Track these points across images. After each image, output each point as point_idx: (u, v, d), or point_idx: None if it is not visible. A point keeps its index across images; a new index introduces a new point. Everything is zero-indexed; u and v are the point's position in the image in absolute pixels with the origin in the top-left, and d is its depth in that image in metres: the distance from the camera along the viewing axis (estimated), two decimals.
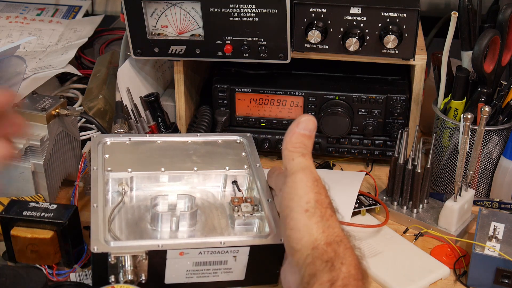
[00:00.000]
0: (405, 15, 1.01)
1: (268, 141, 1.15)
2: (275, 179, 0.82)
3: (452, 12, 0.96)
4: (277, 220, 0.78)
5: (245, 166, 0.90)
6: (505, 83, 1.00)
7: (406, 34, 1.02)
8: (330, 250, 0.67)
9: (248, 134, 0.96)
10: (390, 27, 1.02)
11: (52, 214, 0.87)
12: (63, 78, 1.34)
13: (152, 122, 1.10)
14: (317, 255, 0.67)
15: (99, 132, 1.08)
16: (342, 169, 1.15)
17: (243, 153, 0.92)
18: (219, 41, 1.05)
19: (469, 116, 0.91)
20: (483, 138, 0.99)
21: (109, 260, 0.73)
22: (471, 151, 0.97)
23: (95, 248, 0.73)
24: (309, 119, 0.75)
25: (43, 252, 0.87)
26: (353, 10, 1.02)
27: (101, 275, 0.74)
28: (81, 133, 1.12)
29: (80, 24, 1.49)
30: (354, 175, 1.09)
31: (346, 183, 1.05)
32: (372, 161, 1.17)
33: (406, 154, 1.00)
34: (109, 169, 0.87)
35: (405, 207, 1.02)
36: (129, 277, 0.73)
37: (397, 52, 1.04)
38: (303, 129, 0.74)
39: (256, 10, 1.01)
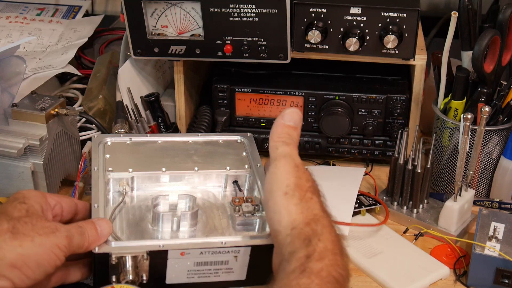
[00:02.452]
0: (405, 15, 1.01)
1: (268, 141, 1.15)
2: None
3: (452, 12, 0.97)
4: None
5: (246, 166, 0.90)
6: (505, 83, 1.00)
7: (406, 34, 1.02)
8: (308, 229, 0.69)
9: (249, 134, 0.96)
10: (390, 27, 1.02)
11: None
12: (63, 78, 1.34)
13: (152, 122, 1.10)
14: (295, 235, 0.69)
15: (100, 132, 1.08)
16: None
17: (244, 153, 0.92)
18: (219, 41, 1.05)
19: (469, 116, 0.91)
20: (483, 138, 0.99)
21: (110, 260, 0.73)
22: (471, 151, 0.97)
23: (96, 248, 0.73)
24: (294, 111, 0.78)
25: None
26: (353, 10, 1.02)
27: (102, 275, 0.74)
28: (81, 133, 1.12)
29: (80, 24, 1.49)
30: (354, 171, 1.09)
31: (346, 181, 1.05)
32: (372, 161, 1.17)
33: (406, 154, 1.00)
34: (110, 169, 0.87)
35: (405, 207, 1.02)
36: (130, 277, 0.73)
37: (397, 52, 1.04)
38: (287, 120, 0.77)
39: (256, 10, 1.01)
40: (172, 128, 1.13)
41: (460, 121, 0.98)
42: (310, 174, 0.75)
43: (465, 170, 0.97)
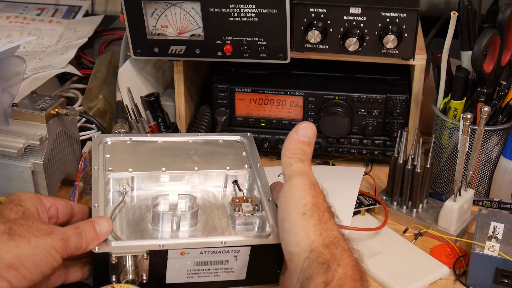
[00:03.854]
0: (404, 15, 1.01)
1: (268, 141, 1.15)
2: (276, 193, 0.82)
3: (452, 12, 0.97)
4: (277, 220, 0.79)
5: (246, 166, 0.90)
6: (505, 83, 1.00)
7: (406, 34, 1.02)
8: (327, 252, 0.67)
9: (248, 134, 0.96)
10: (390, 27, 1.02)
11: None
12: (63, 78, 1.34)
13: (152, 122, 1.10)
14: (314, 258, 0.67)
15: (100, 132, 1.08)
16: None
17: (244, 153, 0.92)
18: (219, 41, 1.05)
19: (468, 116, 0.91)
20: (483, 138, 0.99)
21: (110, 260, 0.73)
22: (470, 151, 0.97)
23: (96, 248, 0.73)
24: (309, 126, 0.75)
25: None
26: (352, 10, 1.03)
27: (102, 275, 0.75)
28: (81, 133, 1.12)
29: (80, 24, 1.49)
30: (354, 171, 1.10)
31: (345, 181, 1.05)
32: (372, 161, 1.17)
33: (406, 154, 1.00)
34: (110, 169, 0.87)
35: (404, 207, 1.02)
36: (130, 277, 0.73)
37: (396, 52, 1.04)
38: (302, 135, 0.75)
39: (256, 10, 1.01)
40: (172, 128, 1.13)
41: (459, 121, 0.98)
42: (325, 194, 0.73)
43: (464, 170, 0.97)
